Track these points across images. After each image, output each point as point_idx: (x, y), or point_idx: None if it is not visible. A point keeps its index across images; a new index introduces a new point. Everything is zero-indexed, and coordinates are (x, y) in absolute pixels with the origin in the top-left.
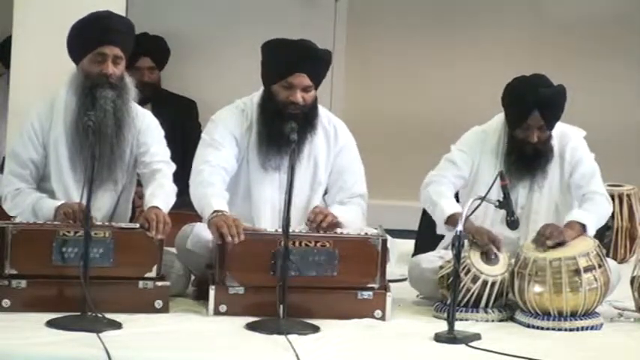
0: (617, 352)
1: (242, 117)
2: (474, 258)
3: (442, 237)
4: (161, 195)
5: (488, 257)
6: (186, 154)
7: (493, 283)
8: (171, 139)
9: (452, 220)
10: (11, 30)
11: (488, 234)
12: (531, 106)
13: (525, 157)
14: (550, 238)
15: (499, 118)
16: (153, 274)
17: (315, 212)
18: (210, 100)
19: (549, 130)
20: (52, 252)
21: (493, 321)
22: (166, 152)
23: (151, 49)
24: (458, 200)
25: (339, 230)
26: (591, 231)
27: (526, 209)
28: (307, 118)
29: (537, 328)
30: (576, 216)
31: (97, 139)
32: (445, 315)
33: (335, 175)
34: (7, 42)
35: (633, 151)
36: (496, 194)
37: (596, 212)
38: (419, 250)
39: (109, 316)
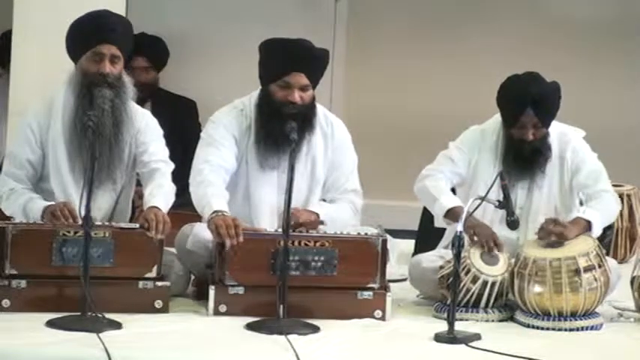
0: (617, 352)
1: (241, 117)
2: (474, 258)
3: (442, 237)
4: (160, 195)
5: (487, 255)
6: (186, 153)
7: (493, 283)
8: (171, 139)
9: (451, 214)
10: (8, 27)
11: (492, 234)
12: (524, 103)
13: (523, 156)
14: (554, 229)
15: (498, 118)
16: (153, 274)
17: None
18: (210, 100)
19: (545, 128)
20: (52, 252)
21: (493, 321)
22: (165, 151)
23: (146, 49)
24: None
25: (338, 231)
26: (597, 228)
27: (525, 209)
28: (305, 118)
29: (537, 328)
30: (583, 213)
31: (96, 139)
32: (445, 315)
33: (329, 172)
34: (3, 39)
35: (633, 151)
36: (496, 194)
37: (603, 210)
38: (419, 250)
39: (109, 316)
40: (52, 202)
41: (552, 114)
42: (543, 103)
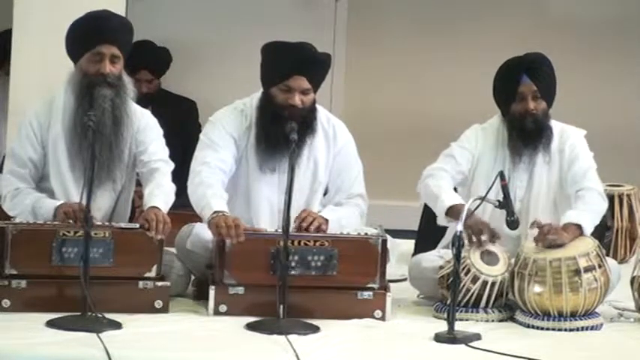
0: (617, 352)
1: (241, 117)
2: (474, 258)
3: (442, 237)
4: (160, 194)
5: (487, 255)
6: (186, 154)
7: (493, 283)
8: (171, 140)
9: (452, 212)
10: (8, 27)
11: (488, 226)
12: (519, 72)
13: (526, 129)
14: (549, 233)
15: (498, 116)
16: (153, 274)
17: (302, 216)
18: (210, 100)
19: (544, 100)
20: (52, 252)
21: (493, 321)
22: (165, 151)
23: (151, 62)
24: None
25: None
26: (588, 230)
27: (525, 202)
28: (306, 122)
29: (537, 328)
30: (571, 217)
31: (96, 139)
32: (445, 315)
33: (334, 176)
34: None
35: (633, 151)
36: (495, 194)
37: (590, 210)
38: (419, 250)
39: (109, 316)
40: (63, 202)
41: (549, 82)
42: (538, 68)
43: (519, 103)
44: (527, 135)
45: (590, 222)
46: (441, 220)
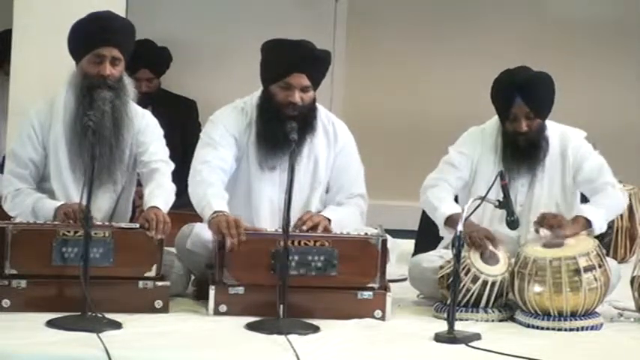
0: (617, 352)
1: (241, 116)
2: (474, 258)
3: (442, 237)
4: (160, 195)
5: (485, 256)
6: (186, 154)
7: (493, 283)
8: (171, 139)
9: (451, 222)
10: (8, 27)
11: (486, 232)
12: (512, 93)
13: (519, 149)
14: (549, 223)
15: (496, 117)
16: (153, 274)
17: (304, 219)
18: (210, 100)
19: (538, 119)
20: (52, 252)
21: (493, 321)
22: (165, 151)
23: (151, 61)
24: (457, 201)
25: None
26: (598, 225)
27: (526, 206)
28: (306, 119)
29: (537, 328)
30: (583, 211)
31: (96, 140)
32: (445, 315)
33: (334, 176)
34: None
35: (633, 151)
36: (495, 194)
37: (606, 206)
38: (419, 250)
39: (109, 316)
40: (63, 202)
41: (544, 103)
42: (531, 91)
43: (512, 122)
44: (520, 154)
45: (603, 217)
46: (442, 232)
